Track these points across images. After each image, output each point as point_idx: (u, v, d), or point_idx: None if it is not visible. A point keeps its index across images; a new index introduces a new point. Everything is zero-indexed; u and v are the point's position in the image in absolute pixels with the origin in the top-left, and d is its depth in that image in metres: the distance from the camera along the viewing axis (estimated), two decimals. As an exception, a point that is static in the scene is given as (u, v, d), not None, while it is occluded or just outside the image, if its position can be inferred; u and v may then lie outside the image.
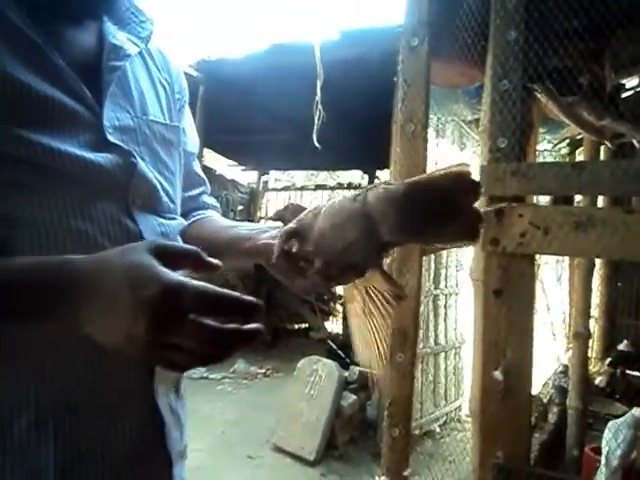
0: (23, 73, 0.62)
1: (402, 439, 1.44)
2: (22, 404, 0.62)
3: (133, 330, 0.46)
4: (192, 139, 0.93)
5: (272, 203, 8.04)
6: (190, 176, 0.94)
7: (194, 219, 0.93)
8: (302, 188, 8.46)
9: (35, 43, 0.64)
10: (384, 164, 6.03)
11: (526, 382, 1.18)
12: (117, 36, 0.75)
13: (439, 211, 0.62)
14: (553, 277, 5.52)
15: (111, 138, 0.68)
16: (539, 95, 1.25)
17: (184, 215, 0.87)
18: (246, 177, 8.38)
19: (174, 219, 0.80)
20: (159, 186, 0.75)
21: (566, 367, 3.25)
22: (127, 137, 0.71)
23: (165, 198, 0.77)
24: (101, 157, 0.66)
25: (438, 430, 4.12)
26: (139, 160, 0.71)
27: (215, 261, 0.54)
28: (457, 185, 0.61)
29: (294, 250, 0.67)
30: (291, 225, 0.67)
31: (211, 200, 1.01)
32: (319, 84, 3.95)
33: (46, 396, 0.62)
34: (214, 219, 0.94)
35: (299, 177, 10.64)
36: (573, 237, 1.08)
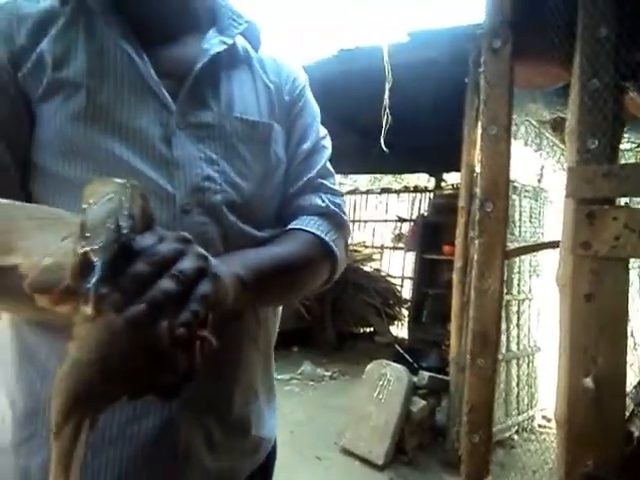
0: (108, 86, 0.72)
1: (483, 445, 1.42)
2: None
3: None
4: (309, 137, 0.91)
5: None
6: (296, 171, 0.89)
7: (280, 232, 0.85)
8: (367, 192, 8.45)
9: (128, 56, 0.74)
10: (452, 167, 5.95)
11: (619, 390, 1.14)
12: (211, 41, 0.81)
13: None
14: (636, 283, 5.22)
15: (178, 132, 0.74)
16: (631, 93, 1.20)
17: (284, 222, 0.86)
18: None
19: (249, 222, 0.79)
20: (224, 182, 0.77)
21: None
22: (203, 132, 0.76)
23: (235, 197, 0.78)
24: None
25: (510, 440, 4.00)
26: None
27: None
28: None
29: None
30: None
31: (319, 201, 0.88)
32: (387, 87, 3.95)
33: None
34: (283, 239, 0.83)
35: (362, 181, 10.62)
36: (672, 240, 1.03)
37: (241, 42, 0.87)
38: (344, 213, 0.91)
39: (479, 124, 1.49)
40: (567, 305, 1.19)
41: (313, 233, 0.83)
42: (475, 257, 1.33)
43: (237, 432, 0.81)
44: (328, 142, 0.97)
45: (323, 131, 0.97)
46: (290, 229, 0.84)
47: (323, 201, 0.88)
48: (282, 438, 3.79)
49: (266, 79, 0.88)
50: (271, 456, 0.93)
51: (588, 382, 1.12)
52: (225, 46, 0.81)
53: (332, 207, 0.88)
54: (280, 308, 0.94)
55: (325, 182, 0.91)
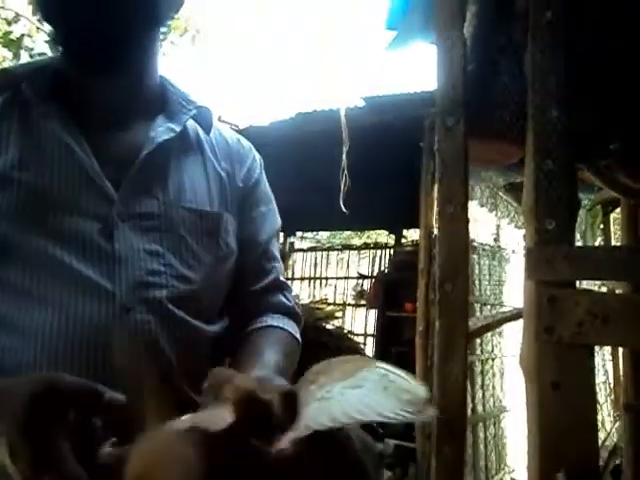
0: (43, 178, 0.69)
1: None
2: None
3: None
4: (264, 228, 0.90)
5: (298, 264, 8.02)
6: (254, 268, 0.89)
7: (249, 330, 0.84)
8: (329, 249, 8.45)
9: (67, 147, 0.70)
10: (411, 224, 6.02)
11: (593, 486, 1.07)
12: (159, 128, 0.77)
13: None
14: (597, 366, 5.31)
15: (120, 225, 0.70)
16: (586, 173, 1.20)
17: (249, 316, 0.84)
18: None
19: (198, 317, 0.76)
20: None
21: (615, 447, 3.04)
22: (148, 223, 0.73)
23: (183, 291, 0.74)
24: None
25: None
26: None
27: (119, 397, 0.51)
28: None
29: None
30: None
31: (285, 301, 0.90)
32: (345, 150, 4.00)
33: None
34: (257, 341, 0.81)
35: (325, 235, 10.66)
36: (636, 327, 1.00)
37: (192, 125, 0.84)
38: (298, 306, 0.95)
39: (435, 189, 1.45)
40: (533, 393, 1.13)
41: (289, 332, 0.86)
42: (436, 340, 1.27)
43: None
44: (279, 223, 0.97)
45: (278, 219, 0.96)
46: (268, 326, 0.84)
47: (289, 300, 0.91)
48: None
49: (217, 166, 0.85)
50: None
51: (561, 478, 1.05)
52: (173, 134, 0.78)
53: (295, 306, 0.92)
54: None
55: (284, 281, 0.94)
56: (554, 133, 1.16)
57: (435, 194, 1.33)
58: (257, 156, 0.94)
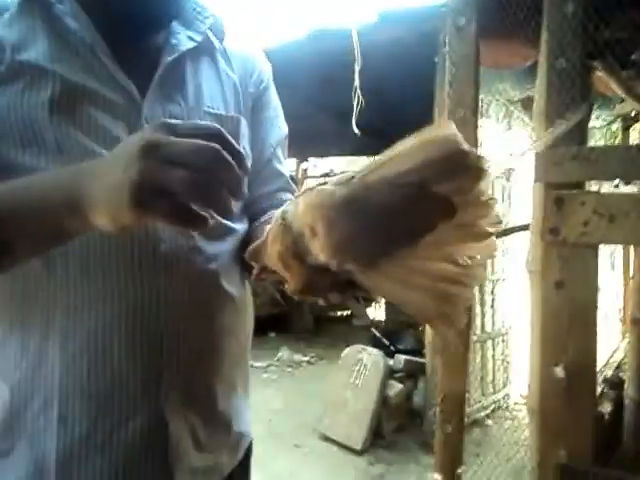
0: (74, 73, 0.68)
1: (455, 436, 1.40)
2: (35, 387, 0.67)
3: (128, 175, 0.45)
4: (273, 131, 0.91)
5: (312, 191, 7.99)
6: (267, 171, 0.91)
7: (263, 220, 0.85)
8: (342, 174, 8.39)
9: (91, 48, 0.70)
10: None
11: (590, 379, 1.11)
12: (178, 35, 0.78)
13: (402, 222, 0.42)
14: (607, 262, 5.31)
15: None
16: (599, 72, 1.17)
17: (259, 214, 0.85)
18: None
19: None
20: None
21: (620, 362, 3.12)
22: None
23: None
24: None
25: (487, 418, 4.04)
26: None
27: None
28: (445, 174, 0.42)
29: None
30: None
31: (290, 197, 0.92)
32: (357, 69, 3.88)
33: (54, 379, 0.67)
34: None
35: (338, 163, 10.56)
36: (642, 225, 1.00)
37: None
38: None
39: (444, 106, 1.44)
40: (538, 292, 1.16)
41: None
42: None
43: (220, 428, 0.81)
44: (286, 130, 0.97)
45: (284, 126, 0.96)
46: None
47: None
48: (260, 427, 3.79)
49: (230, 72, 0.86)
50: (249, 451, 0.92)
51: (559, 371, 1.09)
52: (194, 43, 0.79)
53: None
54: (251, 299, 0.92)
55: (290, 181, 0.94)
56: (569, 30, 1.12)
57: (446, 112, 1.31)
58: (267, 63, 0.95)
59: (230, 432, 0.83)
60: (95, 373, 0.67)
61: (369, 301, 7.15)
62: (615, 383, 2.87)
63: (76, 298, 0.67)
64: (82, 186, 0.50)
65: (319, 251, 0.44)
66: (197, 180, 0.45)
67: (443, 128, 0.43)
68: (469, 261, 0.44)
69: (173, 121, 0.48)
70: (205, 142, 0.46)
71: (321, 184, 0.46)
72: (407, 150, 0.45)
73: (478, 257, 0.44)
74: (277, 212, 0.49)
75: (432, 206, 0.42)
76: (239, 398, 0.87)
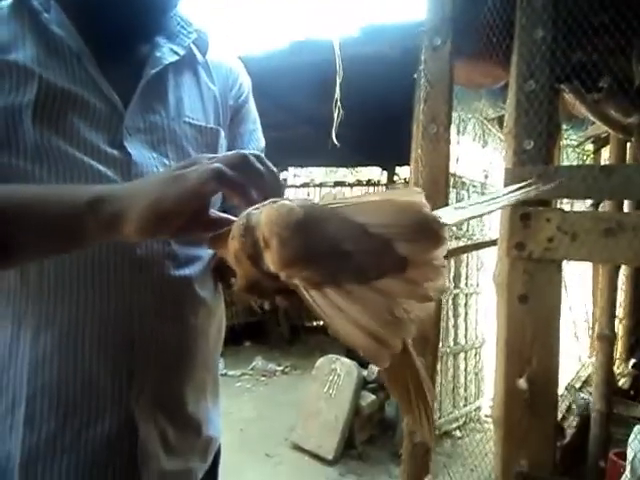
0: (59, 79, 0.70)
1: (423, 446, 1.42)
2: (3, 387, 0.68)
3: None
4: (250, 145, 0.93)
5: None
6: None
7: None
8: (321, 185, 8.44)
9: (77, 57, 0.71)
10: (403, 161, 6.00)
11: (552, 391, 1.15)
12: (162, 48, 0.80)
13: (352, 260, 0.45)
14: (575, 277, 5.41)
15: (129, 137, 0.73)
16: (566, 95, 1.21)
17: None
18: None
19: None
20: None
21: (586, 378, 3.19)
22: (154, 136, 0.76)
23: None
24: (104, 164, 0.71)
25: (457, 430, 4.08)
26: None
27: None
28: (407, 235, 0.45)
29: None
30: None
31: None
32: (338, 81, 3.92)
33: (23, 379, 0.67)
34: None
35: (318, 173, 10.61)
36: (602, 243, 1.04)
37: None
38: None
39: (419, 122, 1.48)
40: (503, 305, 1.19)
41: None
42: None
43: (190, 431, 0.81)
44: (264, 143, 0.99)
45: (262, 139, 0.98)
46: None
47: None
48: (232, 436, 3.76)
49: (211, 84, 0.88)
50: (217, 457, 0.93)
51: (522, 383, 1.13)
52: (177, 57, 0.81)
53: None
54: (223, 305, 0.93)
55: None
56: (538, 54, 1.17)
57: (420, 127, 1.35)
58: (247, 76, 0.97)
59: (200, 436, 0.83)
60: (65, 374, 0.67)
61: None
62: (583, 397, 2.94)
63: (48, 300, 0.67)
64: (119, 191, 0.55)
65: (269, 262, 0.46)
66: None
67: (413, 192, 0.47)
68: (404, 315, 0.45)
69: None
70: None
71: (285, 200, 0.48)
72: (375, 202, 0.49)
73: (414, 313, 0.45)
74: (245, 211, 0.51)
75: (386, 259, 0.45)
76: (208, 402, 0.87)
